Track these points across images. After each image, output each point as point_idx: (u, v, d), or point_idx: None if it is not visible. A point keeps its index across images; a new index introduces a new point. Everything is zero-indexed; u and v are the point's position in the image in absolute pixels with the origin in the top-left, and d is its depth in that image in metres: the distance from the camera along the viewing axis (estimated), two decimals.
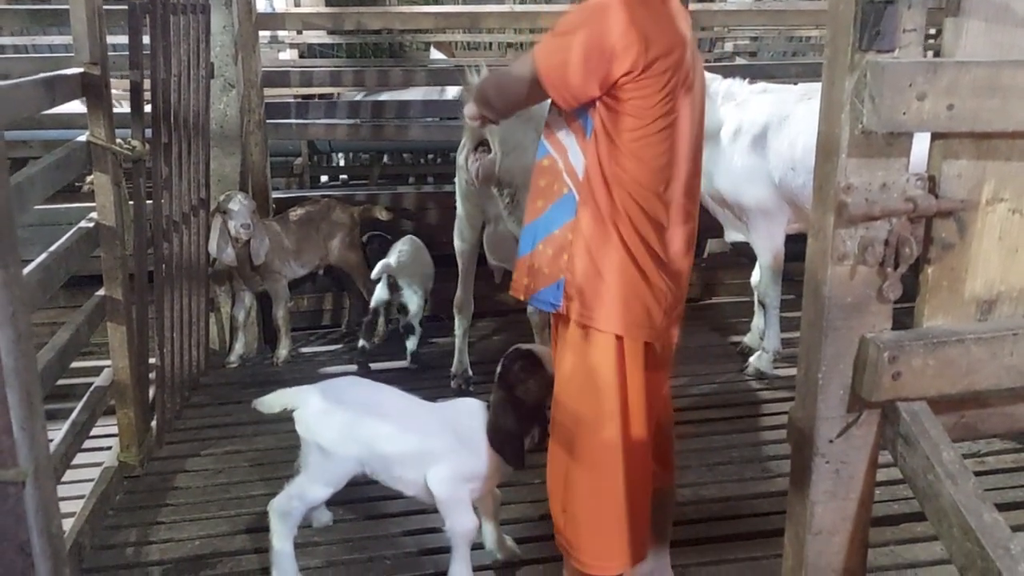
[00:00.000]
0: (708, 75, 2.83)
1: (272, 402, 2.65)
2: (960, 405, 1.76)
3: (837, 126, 1.58)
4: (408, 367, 4.23)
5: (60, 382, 2.73)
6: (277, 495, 2.58)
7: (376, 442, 2.53)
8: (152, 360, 3.43)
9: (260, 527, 2.78)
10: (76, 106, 3.75)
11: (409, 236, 4.49)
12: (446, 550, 2.56)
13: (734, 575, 2.68)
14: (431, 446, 2.51)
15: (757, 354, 4.13)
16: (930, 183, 1.64)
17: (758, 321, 4.32)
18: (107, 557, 2.79)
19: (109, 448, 3.30)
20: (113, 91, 3.07)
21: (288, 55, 9.02)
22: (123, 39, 3.34)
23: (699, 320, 4.82)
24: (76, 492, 2.95)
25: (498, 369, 2.46)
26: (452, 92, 6.64)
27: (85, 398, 3.10)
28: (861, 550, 1.82)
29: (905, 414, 1.66)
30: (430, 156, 7.83)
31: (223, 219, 4.00)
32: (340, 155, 7.88)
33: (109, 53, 3.02)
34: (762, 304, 4.19)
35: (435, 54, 9.47)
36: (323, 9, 7.97)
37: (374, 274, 4.15)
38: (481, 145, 2.86)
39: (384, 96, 6.71)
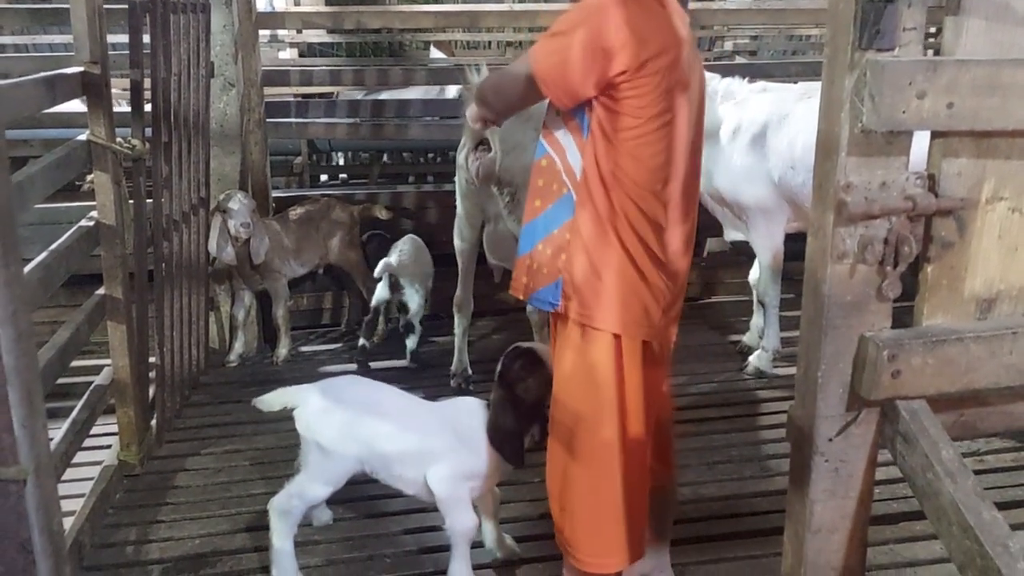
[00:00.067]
0: (707, 74, 2.83)
1: (272, 401, 2.65)
2: (959, 403, 1.77)
3: (837, 124, 1.58)
4: (408, 366, 4.23)
5: (60, 381, 2.73)
6: (277, 494, 2.59)
7: (376, 441, 2.53)
8: (152, 359, 3.44)
9: (260, 526, 2.78)
10: (76, 105, 3.76)
11: (409, 235, 4.50)
12: (446, 548, 2.57)
13: (733, 573, 2.68)
14: (431, 445, 2.51)
15: (757, 353, 4.13)
16: (930, 182, 1.64)
17: (757, 320, 4.33)
18: (107, 555, 2.79)
19: (109, 447, 3.30)
20: (113, 90, 3.07)
21: (288, 54, 9.02)
22: (123, 38, 3.34)
23: (698, 319, 4.82)
24: (76, 491, 2.95)
25: (498, 367, 2.46)
26: (452, 91, 6.64)
27: (85, 397, 3.10)
28: (860, 548, 1.82)
29: (904, 412, 1.66)
30: (430, 155, 7.83)
31: (223, 218, 4.00)
32: (340, 154, 7.88)
33: (109, 52, 3.03)
34: (761, 303, 4.19)
35: (435, 53, 9.47)
36: (323, 8, 7.98)
37: (376, 273, 4.16)
38: (481, 144, 2.85)
39: (384, 95, 6.72)
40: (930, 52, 1.89)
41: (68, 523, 2.66)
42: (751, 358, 4.14)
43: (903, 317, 1.74)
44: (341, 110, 5.52)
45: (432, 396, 2.84)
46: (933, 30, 5.28)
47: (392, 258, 4.21)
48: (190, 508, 3.06)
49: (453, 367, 4.06)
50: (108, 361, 3.22)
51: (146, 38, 3.24)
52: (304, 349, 4.61)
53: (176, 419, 3.71)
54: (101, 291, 3.10)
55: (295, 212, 4.50)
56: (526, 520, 2.93)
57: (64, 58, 4.34)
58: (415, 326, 4.21)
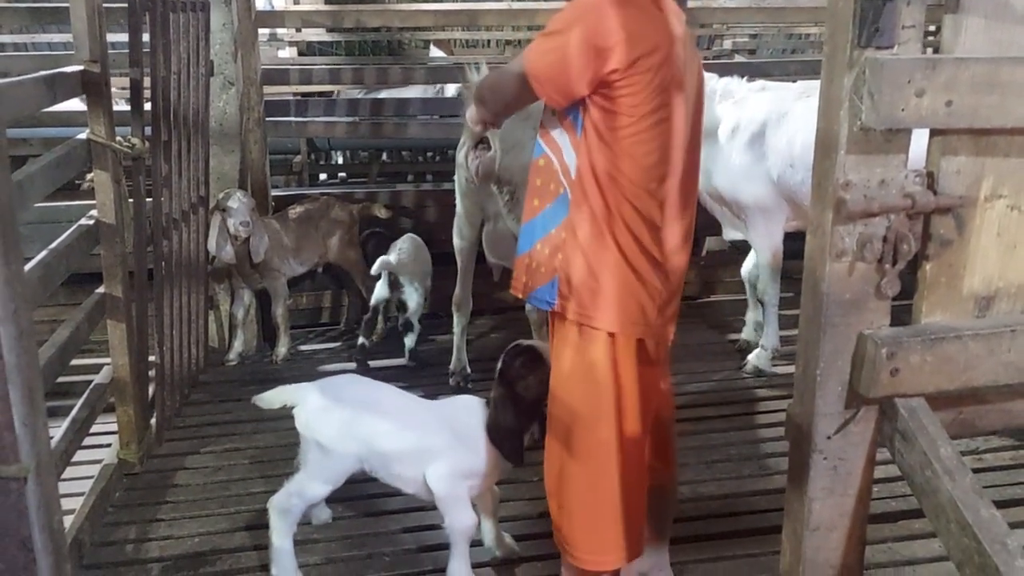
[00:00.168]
0: (706, 74, 2.83)
1: (272, 398, 2.65)
2: (958, 401, 1.77)
3: (836, 123, 1.58)
4: (407, 364, 4.24)
5: (60, 379, 2.73)
6: (276, 492, 2.59)
7: (375, 439, 2.53)
8: (152, 358, 3.44)
9: (259, 524, 2.78)
10: (76, 104, 3.76)
11: (409, 234, 4.50)
12: (445, 547, 2.57)
13: (732, 572, 2.68)
14: (430, 443, 2.52)
15: (756, 351, 4.13)
16: (928, 179, 1.64)
17: (753, 315, 4.33)
18: (107, 554, 2.80)
19: (109, 445, 3.30)
20: (113, 89, 3.07)
21: (287, 53, 9.02)
22: (123, 37, 3.34)
23: (697, 318, 4.83)
24: (76, 489, 2.96)
25: (498, 365, 2.46)
26: (451, 89, 6.64)
27: (85, 395, 3.10)
28: (859, 546, 1.82)
29: (903, 410, 1.67)
30: (429, 154, 7.83)
31: (222, 217, 4.00)
32: (339, 153, 7.88)
33: (109, 51, 3.02)
34: (759, 300, 4.20)
35: (435, 52, 9.46)
36: (322, 7, 7.98)
37: (373, 270, 4.15)
38: (481, 143, 2.85)
39: (383, 94, 6.71)
40: (929, 50, 1.88)
41: (68, 521, 2.66)
42: (750, 356, 4.14)
43: (902, 315, 1.74)
44: (340, 109, 5.52)
45: (431, 395, 2.85)
46: (932, 28, 5.28)
47: (391, 256, 4.21)
48: (189, 506, 3.07)
49: (452, 366, 4.06)
50: (108, 360, 3.22)
51: (145, 37, 3.24)
52: (303, 348, 4.61)
53: (176, 418, 3.71)
54: (101, 290, 3.10)
55: (294, 211, 4.50)
56: (525, 518, 2.93)
57: (64, 57, 4.35)
58: (414, 324, 4.22)
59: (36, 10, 5.23)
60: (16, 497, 1.66)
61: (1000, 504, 1.81)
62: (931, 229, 1.67)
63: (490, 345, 4.50)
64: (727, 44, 9.97)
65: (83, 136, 2.95)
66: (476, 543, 2.65)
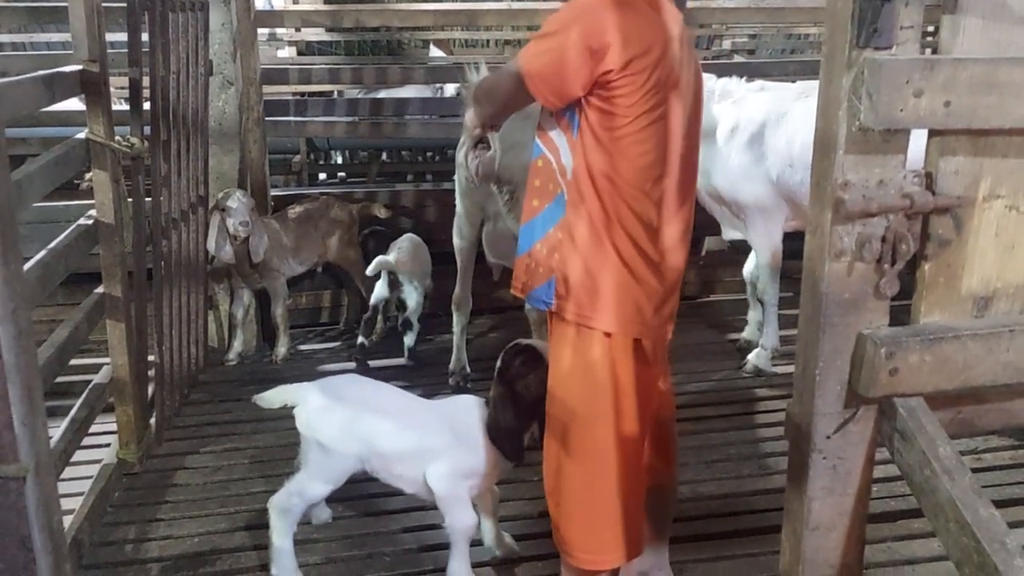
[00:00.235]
0: (704, 74, 2.83)
1: (272, 398, 2.65)
2: (957, 401, 1.77)
3: (834, 123, 1.58)
4: (406, 364, 4.24)
5: (59, 379, 2.73)
6: (277, 492, 2.59)
7: (375, 439, 2.53)
8: (151, 357, 3.44)
9: (260, 524, 2.78)
10: (75, 103, 3.76)
11: (408, 233, 4.50)
12: (445, 547, 2.57)
13: (731, 571, 2.68)
14: (430, 443, 2.52)
15: (756, 351, 4.13)
16: (927, 180, 1.64)
17: (755, 315, 4.33)
18: (106, 553, 2.80)
19: (108, 445, 3.30)
20: (112, 88, 3.07)
21: (287, 52, 9.01)
22: (122, 36, 3.34)
23: (697, 317, 4.83)
24: (75, 489, 2.96)
25: (498, 364, 2.46)
26: (451, 89, 6.64)
27: (84, 395, 3.10)
28: (858, 546, 1.82)
29: (902, 410, 1.67)
30: (428, 153, 7.83)
31: (222, 217, 4.00)
32: (338, 152, 7.88)
33: (108, 50, 3.02)
34: (759, 299, 4.20)
35: (434, 51, 9.46)
36: (322, 7, 7.96)
37: (370, 269, 4.15)
38: (481, 142, 2.86)
39: (382, 93, 6.71)
40: (927, 51, 1.88)
41: (67, 521, 2.65)
42: (750, 356, 4.14)
43: (901, 315, 1.74)
44: (340, 108, 5.52)
45: (430, 394, 2.85)
46: (931, 29, 5.28)
47: (391, 256, 4.21)
48: (189, 506, 3.07)
49: (451, 365, 4.07)
50: (107, 360, 3.22)
51: (145, 36, 3.24)
52: (303, 347, 4.61)
53: (175, 417, 3.71)
54: (100, 289, 3.10)
55: (294, 211, 4.50)
56: (525, 518, 2.94)
57: (62, 56, 4.34)
58: (413, 324, 4.22)
59: (35, 9, 5.22)
60: (15, 497, 1.66)
61: (999, 503, 1.81)
62: (930, 229, 1.67)
63: (490, 345, 4.50)
64: (726, 44, 9.97)
65: (82, 136, 2.95)
66: (476, 543, 2.65)
